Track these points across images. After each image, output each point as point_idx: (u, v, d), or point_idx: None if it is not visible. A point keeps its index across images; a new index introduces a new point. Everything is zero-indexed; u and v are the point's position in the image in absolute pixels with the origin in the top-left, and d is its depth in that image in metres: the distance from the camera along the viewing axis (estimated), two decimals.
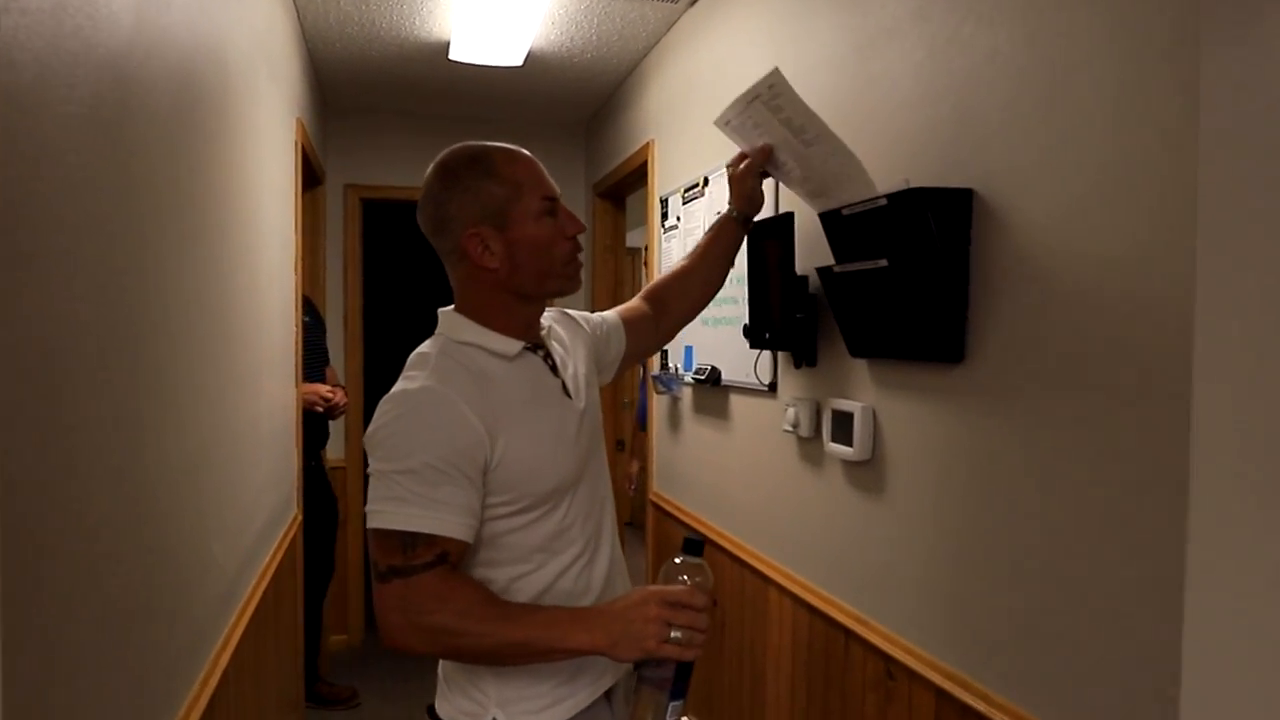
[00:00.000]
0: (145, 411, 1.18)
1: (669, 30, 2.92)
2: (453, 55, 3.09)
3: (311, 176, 3.53)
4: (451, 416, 1.07)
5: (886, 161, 1.58)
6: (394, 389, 1.11)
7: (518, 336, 1.19)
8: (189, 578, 1.39)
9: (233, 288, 1.79)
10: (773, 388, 2.08)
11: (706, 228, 2.50)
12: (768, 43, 2.12)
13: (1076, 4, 1.16)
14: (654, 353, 1.63)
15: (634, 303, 1.60)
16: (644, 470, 3.75)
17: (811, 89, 1.86)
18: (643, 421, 3.77)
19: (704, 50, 2.59)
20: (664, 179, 2.99)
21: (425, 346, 1.18)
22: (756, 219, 2.02)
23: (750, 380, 2.19)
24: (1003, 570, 1.30)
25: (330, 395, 3.26)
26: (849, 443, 1.68)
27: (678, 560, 1.11)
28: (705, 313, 2.51)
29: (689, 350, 2.68)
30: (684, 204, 2.70)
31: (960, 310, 1.38)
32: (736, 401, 2.34)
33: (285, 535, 2.45)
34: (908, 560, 1.55)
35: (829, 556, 1.83)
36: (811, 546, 1.90)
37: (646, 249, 3.86)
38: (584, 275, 4.65)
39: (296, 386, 2.80)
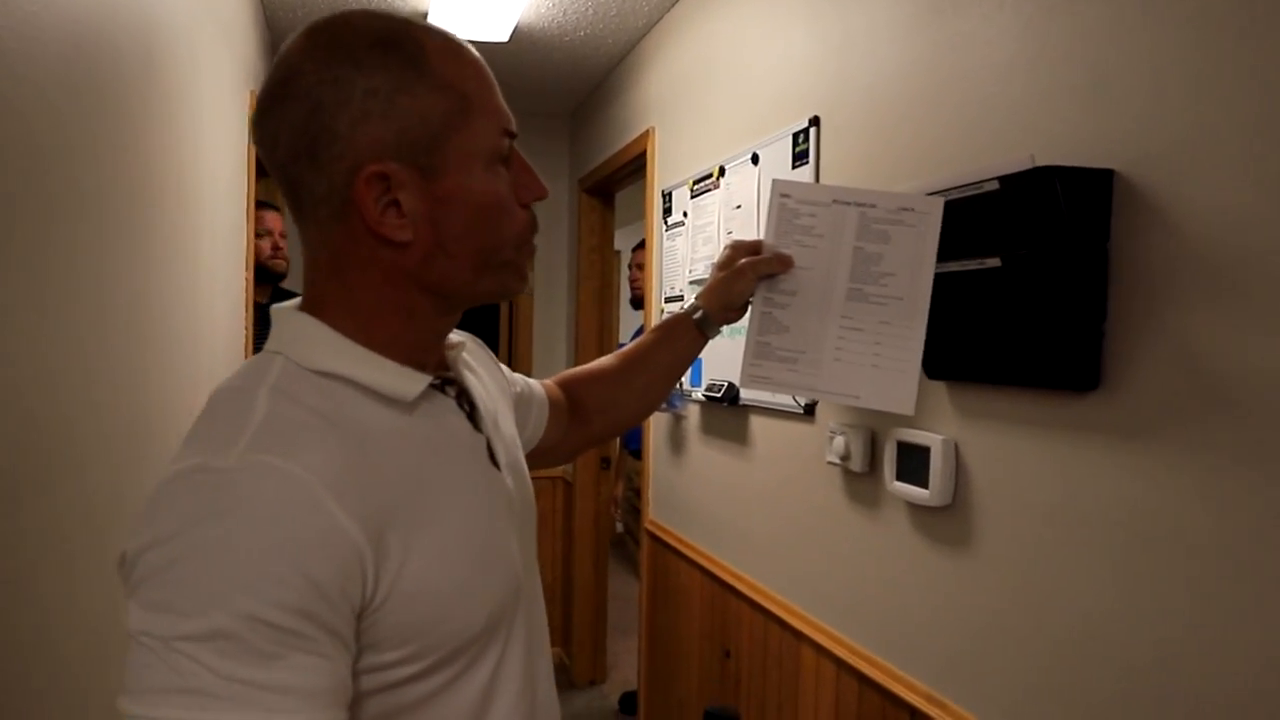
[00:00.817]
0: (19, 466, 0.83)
1: (676, 2, 2.61)
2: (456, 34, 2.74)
3: None
4: (298, 519, 0.57)
5: (986, 138, 1.28)
6: (181, 463, 0.59)
7: (418, 364, 0.71)
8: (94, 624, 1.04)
9: (168, 287, 1.45)
10: (810, 411, 1.77)
11: (721, 223, 2.21)
12: (805, 7, 1.81)
13: None
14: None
15: (548, 383, 1.14)
16: (634, 492, 3.43)
17: (870, 56, 1.56)
18: (634, 441, 3.44)
19: (719, 22, 2.29)
20: (666, 170, 2.68)
21: (245, 378, 0.66)
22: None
23: (780, 401, 1.88)
24: (1146, 666, 1.00)
25: None
26: (922, 483, 1.38)
27: None
28: None
29: (697, 362, 2.37)
30: (693, 198, 2.39)
31: (1096, 323, 1.09)
32: (761, 425, 2.02)
33: None
34: (1002, 636, 1.25)
35: (888, 617, 1.52)
36: (863, 603, 1.59)
37: (639, 248, 3.55)
38: (566, 279, 4.38)
39: None
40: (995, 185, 1.12)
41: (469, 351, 0.86)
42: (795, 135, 1.81)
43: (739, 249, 1.15)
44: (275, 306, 0.72)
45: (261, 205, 2.74)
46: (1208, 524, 0.95)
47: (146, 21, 1.33)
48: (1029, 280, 1.12)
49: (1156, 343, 1.02)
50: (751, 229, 2.01)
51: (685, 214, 2.45)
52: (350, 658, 0.60)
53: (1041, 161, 1.07)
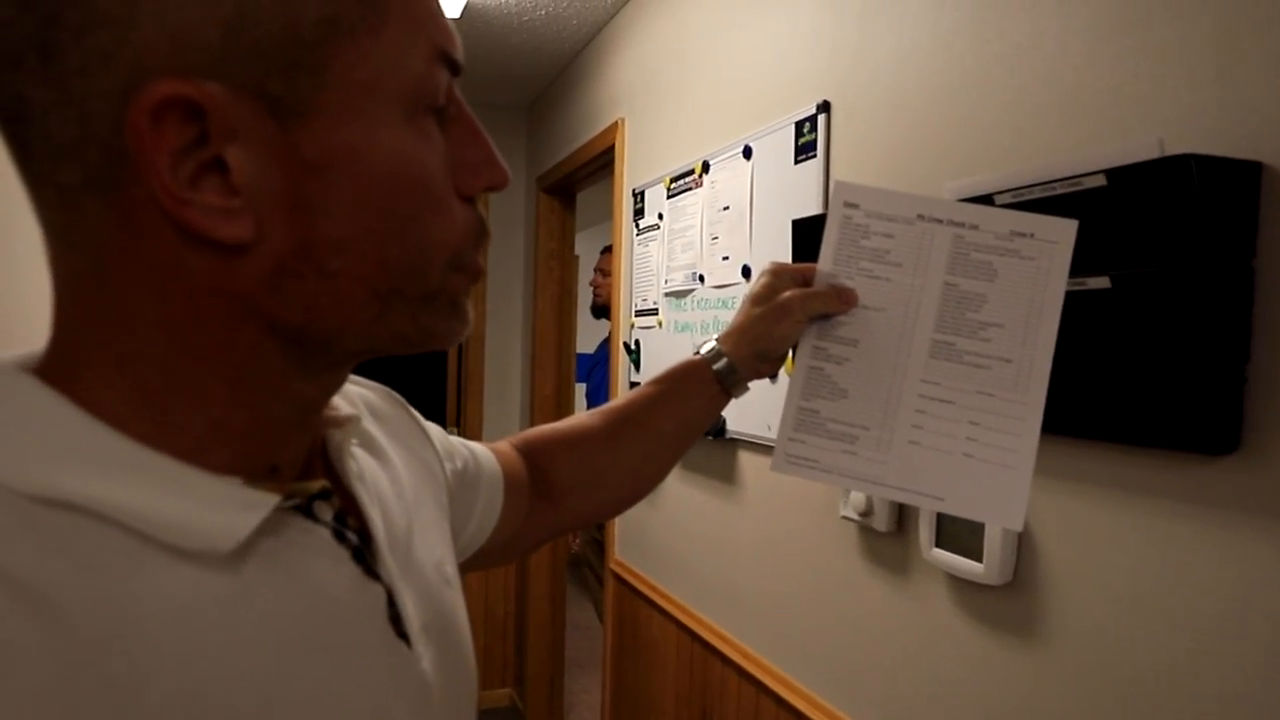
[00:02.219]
0: None
1: None
2: None
3: None
4: None
5: (1060, 122, 1.01)
6: None
7: (257, 465, 0.41)
8: None
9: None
10: None
11: (705, 227, 1.92)
12: None
13: None
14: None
15: (502, 447, 0.81)
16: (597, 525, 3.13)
17: (896, 27, 1.29)
18: None
19: (702, 2, 2.00)
20: (638, 167, 2.38)
21: None
22: (810, 215, 1.44)
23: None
24: None
25: None
26: (973, 554, 1.10)
27: None
28: (704, 338, 1.92)
29: None
30: (670, 198, 2.10)
31: (1236, 365, 0.82)
32: (752, 463, 1.74)
33: None
34: None
35: (918, 707, 1.24)
36: (887, 689, 1.30)
37: (606, 251, 3.26)
38: (521, 290, 4.05)
39: None
40: (1101, 181, 0.85)
41: (375, 419, 0.55)
42: (799, 124, 1.53)
43: (782, 276, 0.80)
44: None
45: None
46: None
47: None
48: (1147, 306, 0.84)
49: None
50: (743, 233, 1.72)
51: (660, 216, 2.16)
52: None
53: (1168, 149, 0.80)
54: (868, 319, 0.78)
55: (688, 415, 0.82)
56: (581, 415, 0.86)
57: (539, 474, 0.81)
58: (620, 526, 2.46)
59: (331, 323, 0.40)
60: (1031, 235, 0.75)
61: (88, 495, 0.35)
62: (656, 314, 2.17)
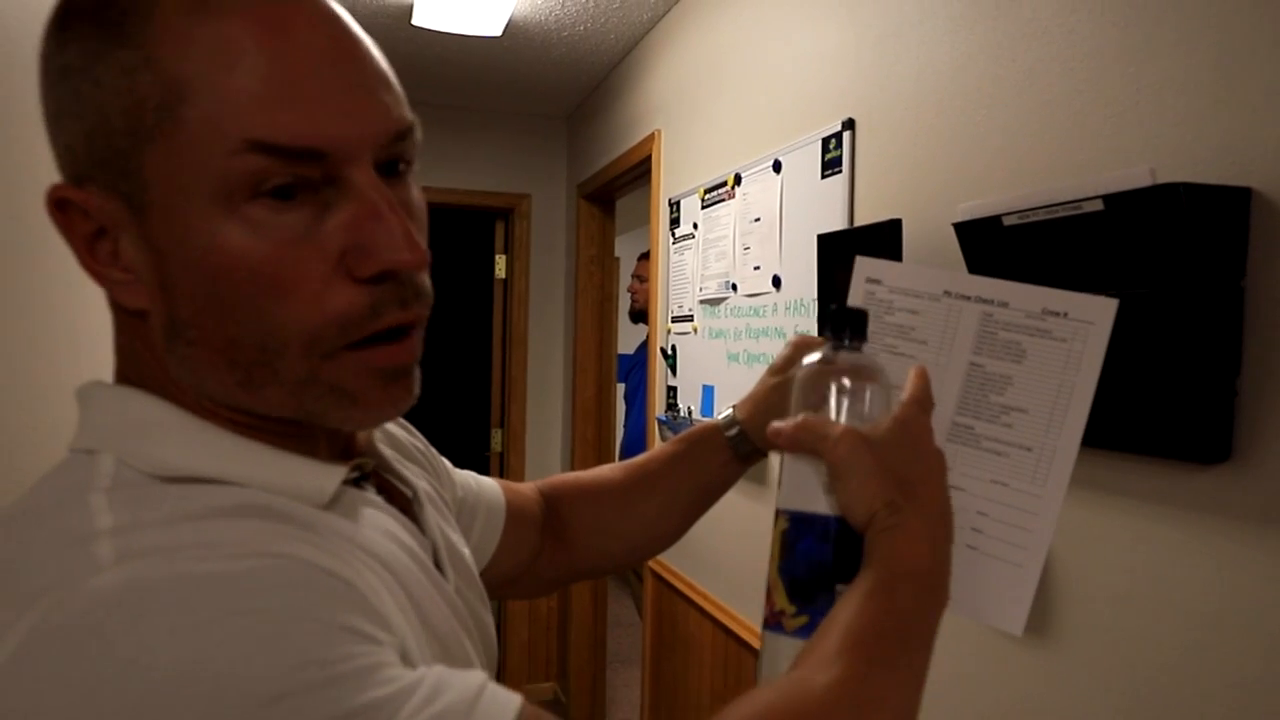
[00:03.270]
0: None
1: None
2: (417, 20, 2.52)
3: None
4: (319, 584, 0.39)
5: (1067, 146, 1.06)
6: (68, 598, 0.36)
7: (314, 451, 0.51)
8: None
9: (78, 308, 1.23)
10: None
11: (737, 237, 1.99)
12: None
13: None
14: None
15: (521, 487, 0.86)
16: None
17: (917, 49, 1.34)
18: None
19: (732, 16, 2.06)
20: (673, 177, 2.46)
21: (35, 496, 0.43)
22: (836, 229, 1.50)
23: None
24: None
25: None
26: None
27: (839, 360, 0.60)
28: (738, 345, 1.99)
29: (708, 391, 2.15)
30: (704, 208, 2.17)
31: (1227, 379, 0.87)
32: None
33: None
34: None
35: (935, 704, 1.30)
36: None
37: (644, 257, 3.34)
38: (563, 294, 4.14)
39: None
40: (1099, 205, 0.90)
41: (385, 439, 0.64)
42: (825, 140, 1.59)
43: (803, 349, 0.77)
44: (82, 386, 0.48)
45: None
46: None
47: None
48: (1142, 324, 0.90)
49: None
50: (773, 245, 1.79)
51: (695, 225, 2.23)
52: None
53: (1160, 177, 0.86)
54: (889, 398, 0.74)
55: (701, 479, 0.83)
56: (605, 468, 0.89)
57: (557, 518, 0.85)
58: None
59: (211, 384, 0.45)
60: (1065, 315, 0.70)
61: (207, 470, 0.44)
62: (692, 320, 2.25)
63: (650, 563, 2.55)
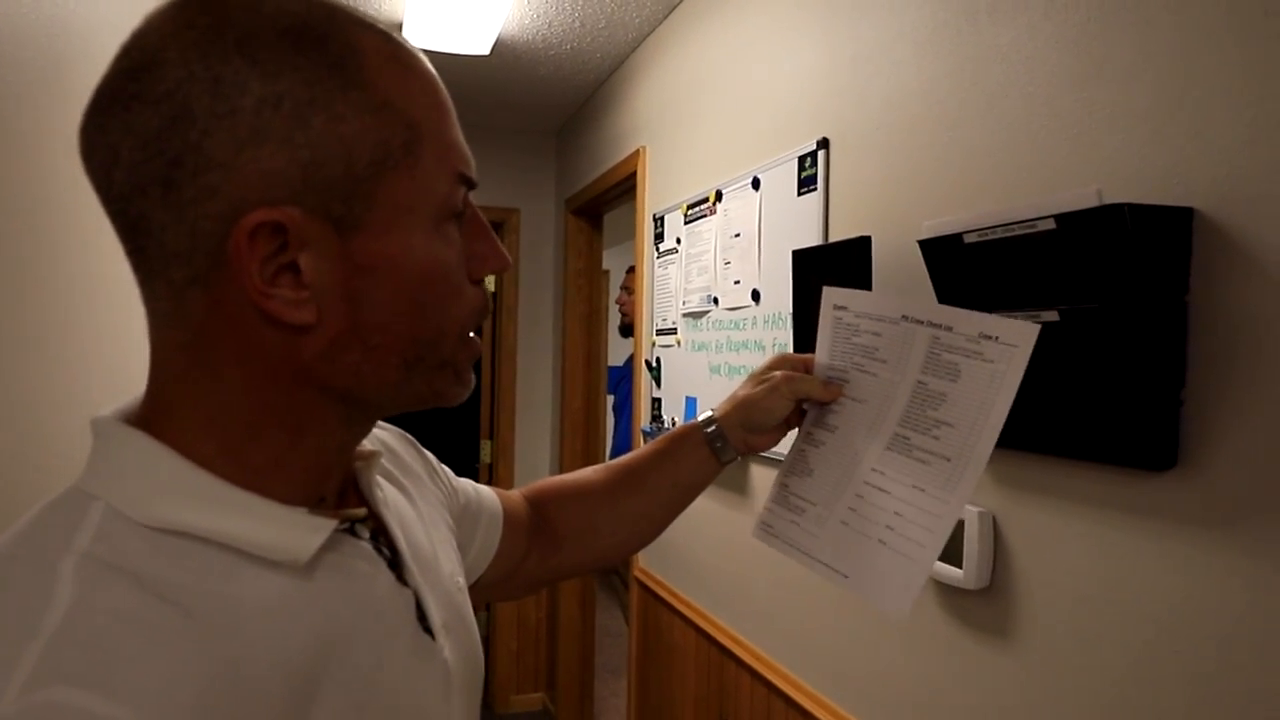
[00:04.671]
0: None
1: (668, 16, 2.44)
2: (407, 38, 2.57)
3: None
4: None
5: (1025, 167, 1.11)
6: None
7: (313, 494, 0.52)
8: None
9: (93, 326, 1.26)
10: None
11: (719, 252, 2.04)
12: (813, 16, 1.64)
13: None
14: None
15: (512, 495, 0.91)
16: None
17: (887, 72, 1.39)
18: None
19: (716, 35, 2.12)
20: (658, 193, 2.50)
21: (34, 541, 0.44)
22: (810, 245, 1.54)
23: (784, 450, 1.69)
24: None
25: None
26: (954, 561, 1.20)
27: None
28: (719, 358, 2.03)
29: (691, 403, 2.19)
30: (687, 223, 2.21)
31: (1172, 390, 0.91)
32: (762, 475, 1.84)
33: None
34: None
35: (910, 702, 1.34)
36: (886, 690, 1.40)
37: (630, 273, 3.38)
38: (552, 307, 4.17)
39: None
40: (1051, 224, 0.95)
41: (391, 456, 0.67)
42: (801, 159, 1.64)
43: (783, 363, 0.90)
44: (96, 418, 0.49)
45: None
46: None
47: (55, 25, 1.15)
48: (1092, 337, 0.94)
49: (1245, 416, 0.85)
50: (753, 260, 1.83)
51: (678, 240, 2.28)
52: None
53: (1108, 197, 0.90)
54: (850, 409, 0.86)
55: (680, 476, 0.90)
56: (589, 469, 0.95)
57: (544, 520, 0.90)
58: None
59: (369, 386, 0.51)
60: (996, 338, 0.77)
61: (194, 525, 0.46)
62: (675, 333, 2.29)
63: (636, 572, 2.58)
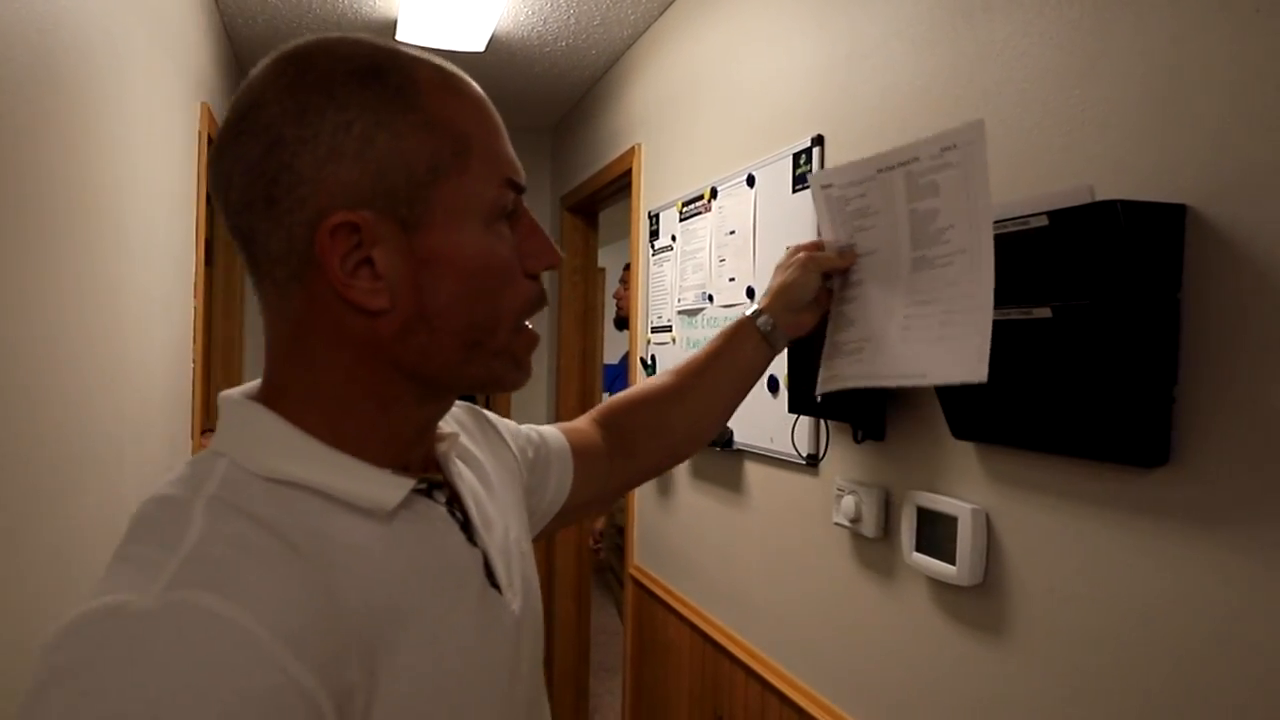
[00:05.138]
0: None
1: (664, 12, 2.44)
2: (401, 36, 2.56)
3: None
4: (243, 679, 0.44)
5: (1020, 163, 1.11)
6: (89, 603, 0.46)
7: (399, 462, 0.60)
8: None
9: (90, 324, 1.25)
10: (813, 462, 1.59)
11: (714, 250, 2.04)
12: (808, 13, 1.64)
13: None
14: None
15: (586, 426, 0.99)
16: (616, 529, 3.24)
17: (882, 68, 1.39)
18: None
19: (711, 33, 2.11)
20: (653, 190, 2.50)
21: (180, 485, 0.54)
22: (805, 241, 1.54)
23: (778, 448, 1.69)
24: None
25: None
26: (947, 558, 1.20)
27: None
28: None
29: None
30: (682, 221, 2.21)
31: (1165, 387, 0.91)
32: (757, 473, 1.84)
33: None
34: None
35: (903, 699, 1.34)
36: (879, 687, 1.40)
37: (627, 269, 3.38)
38: (548, 303, 4.07)
39: (194, 438, 2.23)
40: (1044, 221, 0.95)
41: (465, 431, 0.75)
42: (796, 156, 1.64)
43: (796, 250, 1.05)
44: (223, 394, 0.60)
45: None
46: None
47: (46, 20, 1.14)
48: (1084, 334, 0.94)
49: (1238, 412, 0.85)
50: (747, 257, 1.83)
51: (674, 238, 2.27)
52: None
53: (1100, 194, 0.90)
54: (868, 263, 0.99)
55: (740, 365, 1.02)
56: (653, 378, 1.05)
57: (619, 431, 0.99)
58: (639, 533, 2.57)
59: (435, 364, 0.58)
60: (954, 146, 0.89)
61: (297, 476, 0.55)
62: (671, 330, 2.29)
63: (631, 570, 2.58)
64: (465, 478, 0.68)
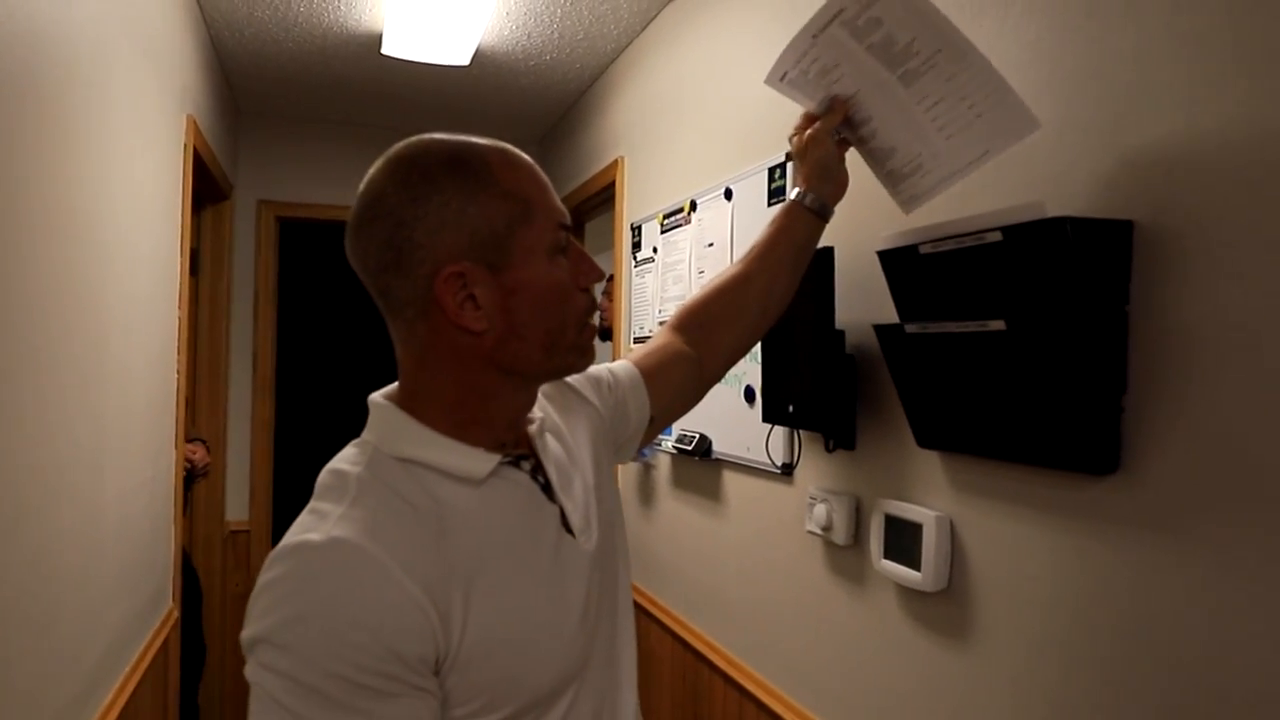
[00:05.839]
0: None
1: (645, 29, 2.48)
2: (386, 50, 2.59)
3: (214, 189, 2.99)
4: (379, 594, 0.67)
5: (980, 179, 1.14)
6: (288, 537, 0.70)
7: (494, 444, 0.79)
8: None
9: (54, 341, 1.27)
10: (788, 471, 1.62)
11: (693, 262, 2.07)
12: (782, 33, 1.67)
13: None
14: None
15: (661, 340, 1.11)
16: None
17: None
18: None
19: (691, 50, 2.15)
20: (635, 202, 2.53)
21: (345, 462, 0.77)
22: None
23: (755, 458, 1.72)
24: None
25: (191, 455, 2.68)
26: (913, 564, 1.22)
27: None
28: None
29: None
30: (663, 233, 2.24)
31: (1114, 397, 0.94)
32: (734, 481, 1.86)
33: (149, 648, 1.89)
34: None
35: (872, 703, 1.36)
36: (850, 691, 1.42)
37: (610, 280, 3.40)
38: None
39: (177, 448, 2.25)
40: (998, 236, 0.98)
41: (550, 401, 0.92)
42: (771, 170, 1.67)
43: (798, 130, 1.16)
44: (371, 397, 0.80)
45: None
46: (1239, 638, 0.80)
47: (33, 35, 1.16)
48: (1037, 346, 0.97)
49: (1184, 422, 0.88)
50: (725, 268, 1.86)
51: (655, 250, 2.30)
52: (436, 706, 0.70)
53: (1052, 210, 0.93)
54: (860, 102, 1.08)
55: (797, 240, 1.14)
56: (723, 271, 1.17)
57: (697, 330, 1.12)
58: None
59: (526, 363, 0.78)
60: None
61: (417, 457, 0.75)
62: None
63: None
64: (550, 449, 0.86)
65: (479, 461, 0.77)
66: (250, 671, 0.67)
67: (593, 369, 1.01)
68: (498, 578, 0.74)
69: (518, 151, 0.79)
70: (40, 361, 1.22)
